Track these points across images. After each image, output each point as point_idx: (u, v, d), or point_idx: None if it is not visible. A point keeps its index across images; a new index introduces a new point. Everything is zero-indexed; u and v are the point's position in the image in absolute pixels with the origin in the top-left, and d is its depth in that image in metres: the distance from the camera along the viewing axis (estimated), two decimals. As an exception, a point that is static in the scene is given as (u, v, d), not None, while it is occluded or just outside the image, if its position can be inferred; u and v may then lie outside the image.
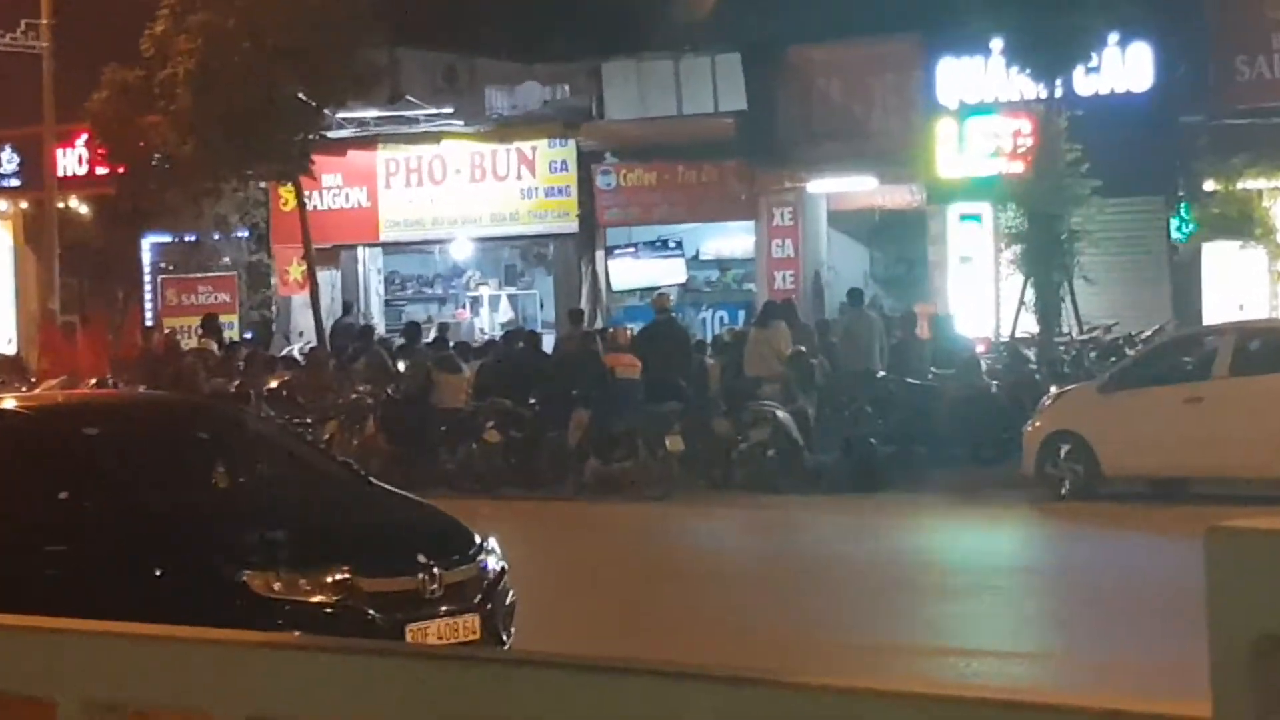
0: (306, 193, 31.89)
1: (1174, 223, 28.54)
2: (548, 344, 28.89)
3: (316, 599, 10.44)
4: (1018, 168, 28.11)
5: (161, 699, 2.69)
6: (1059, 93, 27.23)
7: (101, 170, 34.48)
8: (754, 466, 23.57)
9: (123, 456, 11.81)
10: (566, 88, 33.77)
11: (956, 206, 30.67)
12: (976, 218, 30.53)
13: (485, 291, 36.54)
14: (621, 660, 2.26)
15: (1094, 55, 27.59)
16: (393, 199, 34.79)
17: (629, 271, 33.77)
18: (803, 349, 25.03)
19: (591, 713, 2.23)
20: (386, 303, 36.54)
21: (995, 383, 25.49)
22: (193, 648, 2.66)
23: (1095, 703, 1.92)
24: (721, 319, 33.39)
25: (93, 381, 27.55)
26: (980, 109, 29.45)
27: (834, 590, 16.35)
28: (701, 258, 34.62)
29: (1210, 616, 1.84)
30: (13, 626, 2.90)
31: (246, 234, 35.67)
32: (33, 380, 28.81)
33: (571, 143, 33.45)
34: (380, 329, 32.96)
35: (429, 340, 28.86)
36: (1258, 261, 28.45)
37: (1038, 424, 22.01)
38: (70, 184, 35.87)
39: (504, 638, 11.17)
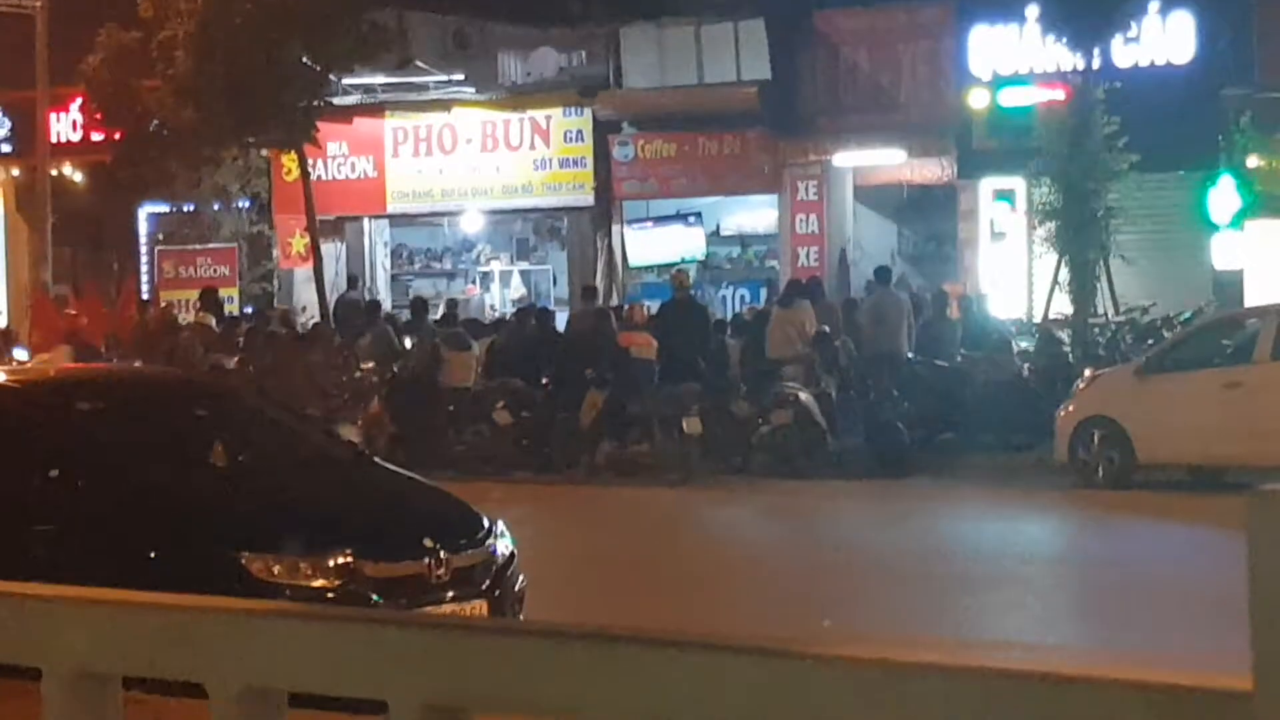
0: (310, 162, 31.54)
1: (1215, 200, 27.83)
2: (561, 321, 28.45)
3: (318, 583, 10.30)
4: (1050, 143, 27.61)
5: (152, 669, 2.71)
6: (1096, 64, 26.79)
7: (97, 136, 34.11)
8: (775, 450, 23.40)
9: (116, 433, 11.73)
10: (583, 54, 33.27)
11: (988, 182, 30.22)
12: (1009, 198, 29.97)
13: (496, 266, 36.12)
14: (646, 631, 2.30)
15: (1133, 24, 27.32)
16: (400, 169, 34.33)
17: (646, 245, 33.27)
18: (827, 329, 24.76)
19: (609, 686, 2.23)
20: (393, 277, 36.20)
21: (1027, 366, 25.19)
22: (186, 617, 2.66)
23: (1130, 676, 1.93)
24: (742, 297, 33.04)
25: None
26: (1014, 80, 28.89)
27: (856, 579, 16.09)
28: (722, 233, 34.20)
29: (1251, 583, 1.87)
30: (-4, 594, 2.89)
31: (247, 204, 35.11)
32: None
33: (588, 112, 32.95)
34: (387, 304, 32.59)
35: (437, 317, 28.58)
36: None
37: (1071, 409, 21.78)
38: (64, 150, 35.40)
39: (512, 624, 10.68)
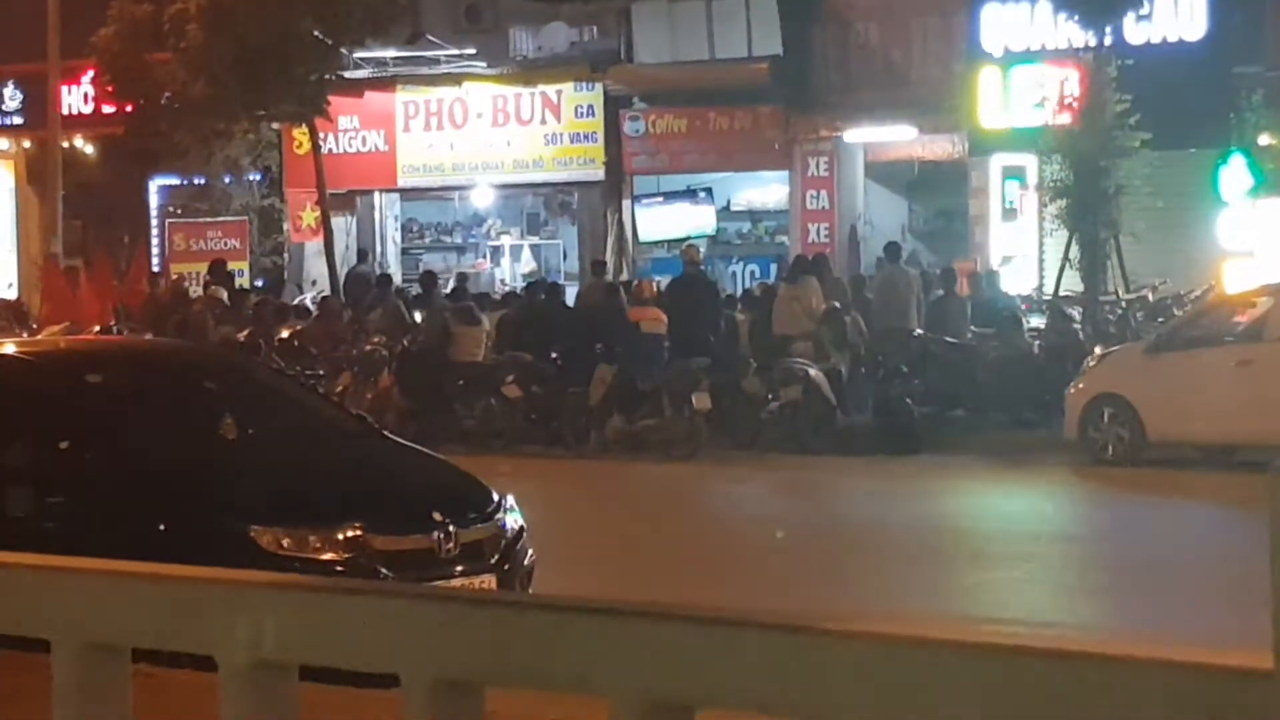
0: (321, 135, 31.51)
1: (1226, 178, 27.72)
2: (571, 296, 28.44)
3: (327, 556, 10.21)
4: (1064, 119, 27.56)
5: (162, 641, 2.72)
6: (1108, 41, 26.77)
7: (108, 109, 34.23)
8: (784, 426, 23.27)
9: (126, 406, 11.66)
10: (594, 29, 33.22)
11: (999, 158, 30.15)
12: (1020, 177, 29.98)
13: (506, 241, 36.14)
14: (655, 606, 2.28)
15: (1145, 2, 27.11)
16: (411, 143, 34.27)
17: (657, 221, 33.21)
18: (836, 305, 24.69)
19: (619, 660, 2.23)
20: (403, 251, 36.15)
21: (1037, 343, 25.07)
22: (196, 589, 2.65)
23: (1151, 654, 1.93)
24: (752, 273, 33.00)
25: (96, 328, 27.12)
26: (1026, 57, 28.86)
27: (866, 556, 15.97)
28: (733, 208, 34.19)
29: (1273, 563, 1.86)
30: (3, 564, 2.88)
31: (258, 177, 35.14)
32: (34, 326, 28.53)
33: (599, 87, 32.89)
34: (397, 278, 32.50)
35: (447, 291, 28.47)
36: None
37: (1081, 386, 21.66)
38: (75, 123, 35.34)
39: (521, 599, 10.62)
